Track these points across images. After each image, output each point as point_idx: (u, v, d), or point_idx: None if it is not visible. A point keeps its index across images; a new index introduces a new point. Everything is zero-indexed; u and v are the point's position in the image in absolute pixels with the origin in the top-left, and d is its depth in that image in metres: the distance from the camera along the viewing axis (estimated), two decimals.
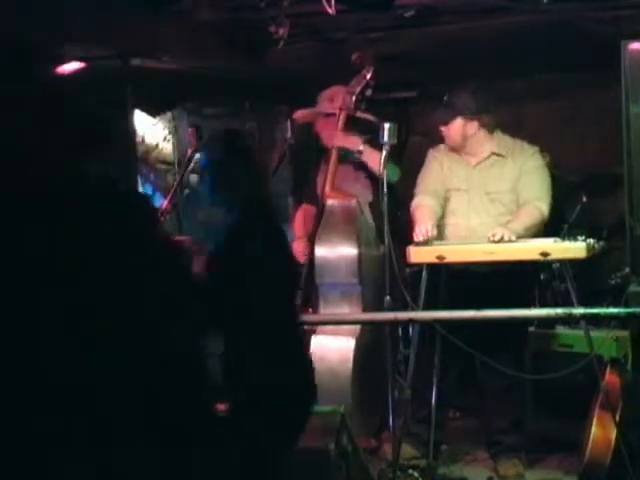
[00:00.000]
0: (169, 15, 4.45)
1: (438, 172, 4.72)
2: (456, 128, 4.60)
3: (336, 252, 4.62)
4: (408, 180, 4.94)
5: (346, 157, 4.90)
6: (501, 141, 4.68)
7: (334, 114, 4.88)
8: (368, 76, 4.81)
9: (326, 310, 4.64)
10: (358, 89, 4.81)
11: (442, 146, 4.77)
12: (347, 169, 4.95)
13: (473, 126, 4.60)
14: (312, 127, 5.12)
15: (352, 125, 4.89)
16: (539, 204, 4.50)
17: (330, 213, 4.72)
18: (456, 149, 4.67)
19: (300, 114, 5.09)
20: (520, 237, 4.27)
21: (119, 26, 4.24)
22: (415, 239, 4.35)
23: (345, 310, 4.62)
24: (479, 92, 4.65)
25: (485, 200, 4.61)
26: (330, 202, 4.75)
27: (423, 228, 4.36)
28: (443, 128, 4.63)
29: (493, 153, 4.65)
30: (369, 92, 4.88)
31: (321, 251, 4.64)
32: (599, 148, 5.69)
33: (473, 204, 4.63)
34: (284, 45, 4.52)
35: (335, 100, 4.91)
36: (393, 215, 4.51)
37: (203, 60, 4.89)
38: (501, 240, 4.20)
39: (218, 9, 4.48)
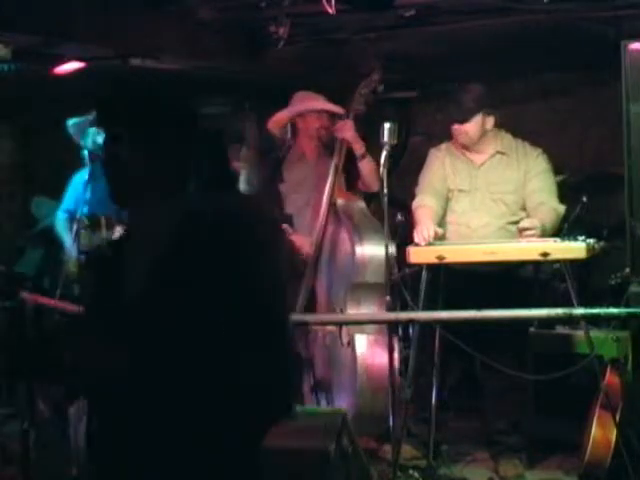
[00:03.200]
0: (169, 15, 4.45)
1: (440, 171, 4.72)
2: (477, 124, 4.59)
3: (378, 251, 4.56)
4: (408, 180, 4.94)
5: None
6: (505, 140, 4.69)
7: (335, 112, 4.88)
8: (376, 79, 4.79)
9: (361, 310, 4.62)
10: (367, 90, 4.79)
11: (444, 145, 4.77)
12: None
13: (490, 121, 4.60)
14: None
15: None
16: (555, 205, 4.52)
17: (361, 212, 4.74)
18: (465, 148, 4.66)
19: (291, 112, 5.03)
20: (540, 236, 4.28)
21: (119, 26, 4.24)
22: (416, 240, 4.35)
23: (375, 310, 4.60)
24: (484, 88, 4.65)
25: (488, 200, 4.61)
26: (342, 202, 4.76)
27: (426, 233, 4.35)
28: (461, 125, 4.61)
29: (498, 152, 4.65)
30: (374, 94, 4.86)
31: (366, 250, 4.58)
32: (599, 148, 5.70)
33: (476, 204, 4.63)
34: (284, 45, 4.52)
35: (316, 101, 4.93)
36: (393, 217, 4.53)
37: (203, 60, 4.89)
38: (526, 229, 4.23)
39: (218, 9, 4.48)
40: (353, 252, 4.59)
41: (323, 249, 4.78)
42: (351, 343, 4.55)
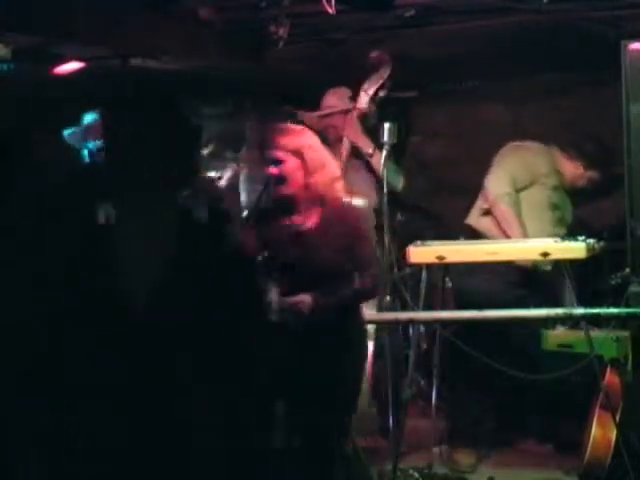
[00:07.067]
0: (169, 15, 4.45)
1: None
2: None
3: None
4: (408, 180, 4.94)
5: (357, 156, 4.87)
6: None
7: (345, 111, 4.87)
8: (385, 75, 4.77)
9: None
10: (374, 88, 4.77)
11: None
12: (358, 167, 4.90)
13: None
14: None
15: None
16: None
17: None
18: None
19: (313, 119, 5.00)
20: None
21: (119, 26, 4.24)
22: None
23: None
24: None
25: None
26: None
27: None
28: None
29: None
30: (383, 92, 4.84)
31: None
32: (599, 148, 5.68)
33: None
34: (284, 45, 4.52)
35: (342, 99, 4.89)
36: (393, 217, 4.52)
37: (203, 60, 4.89)
38: None
39: (218, 9, 4.48)
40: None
41: None
42: None
